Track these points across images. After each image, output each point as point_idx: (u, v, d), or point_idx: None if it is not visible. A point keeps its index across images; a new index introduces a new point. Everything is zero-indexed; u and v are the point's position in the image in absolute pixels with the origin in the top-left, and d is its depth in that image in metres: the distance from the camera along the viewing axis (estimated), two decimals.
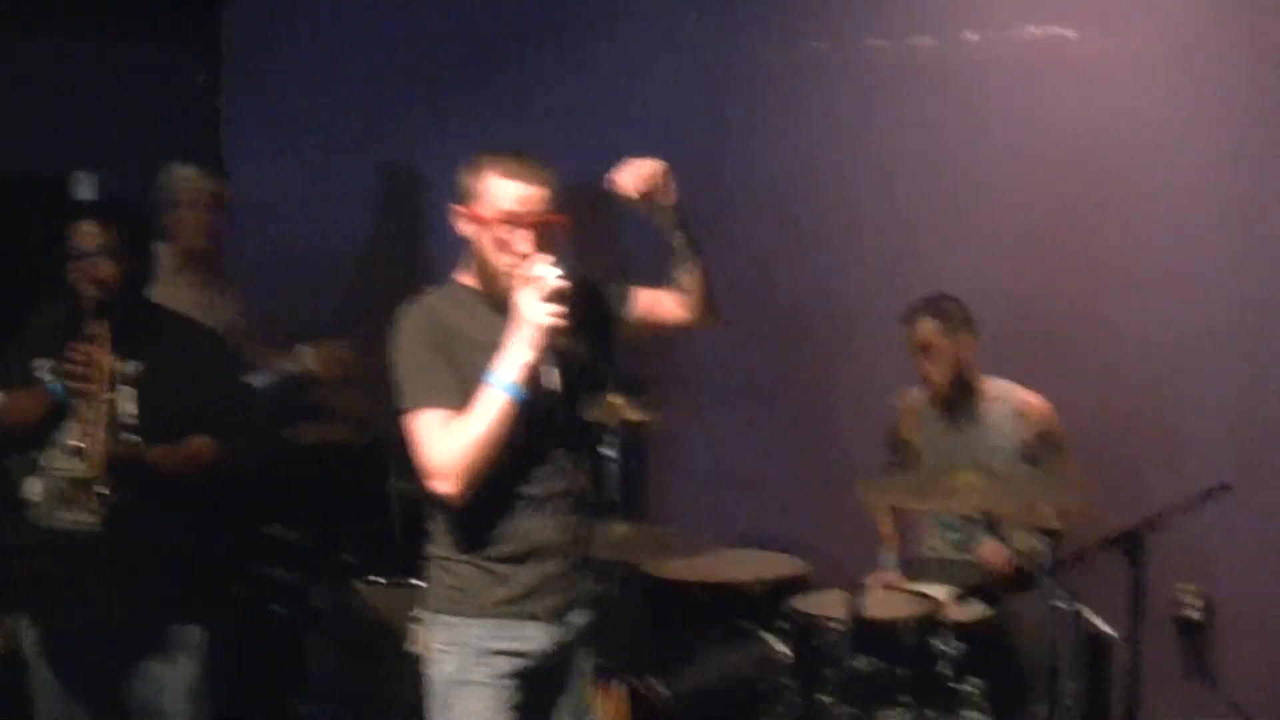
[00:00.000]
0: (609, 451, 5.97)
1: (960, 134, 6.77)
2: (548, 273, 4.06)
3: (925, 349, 6.02)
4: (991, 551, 5.83)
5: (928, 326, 6.02)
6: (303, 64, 8.26)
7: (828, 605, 5.29)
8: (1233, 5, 6.32)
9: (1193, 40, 6.33)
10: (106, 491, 4.94)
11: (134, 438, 4.98)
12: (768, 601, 5.77)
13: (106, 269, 5.03)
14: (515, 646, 4.23)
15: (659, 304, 4.52)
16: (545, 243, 4.22)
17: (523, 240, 4.20)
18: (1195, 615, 6.33)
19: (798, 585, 5.95)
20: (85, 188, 7.70)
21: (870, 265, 6.94)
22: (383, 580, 6.42)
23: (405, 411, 4.17)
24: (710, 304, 4.47)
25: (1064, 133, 6.57)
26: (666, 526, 6.16)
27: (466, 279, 4.36)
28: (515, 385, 4.03)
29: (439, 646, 4.32)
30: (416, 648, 4.40)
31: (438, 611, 4.34)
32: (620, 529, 5.65)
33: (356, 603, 6.51)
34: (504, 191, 4.27)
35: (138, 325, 5.11)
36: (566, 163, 7.43)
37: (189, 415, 5.07)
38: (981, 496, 5.26)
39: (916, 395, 6.23)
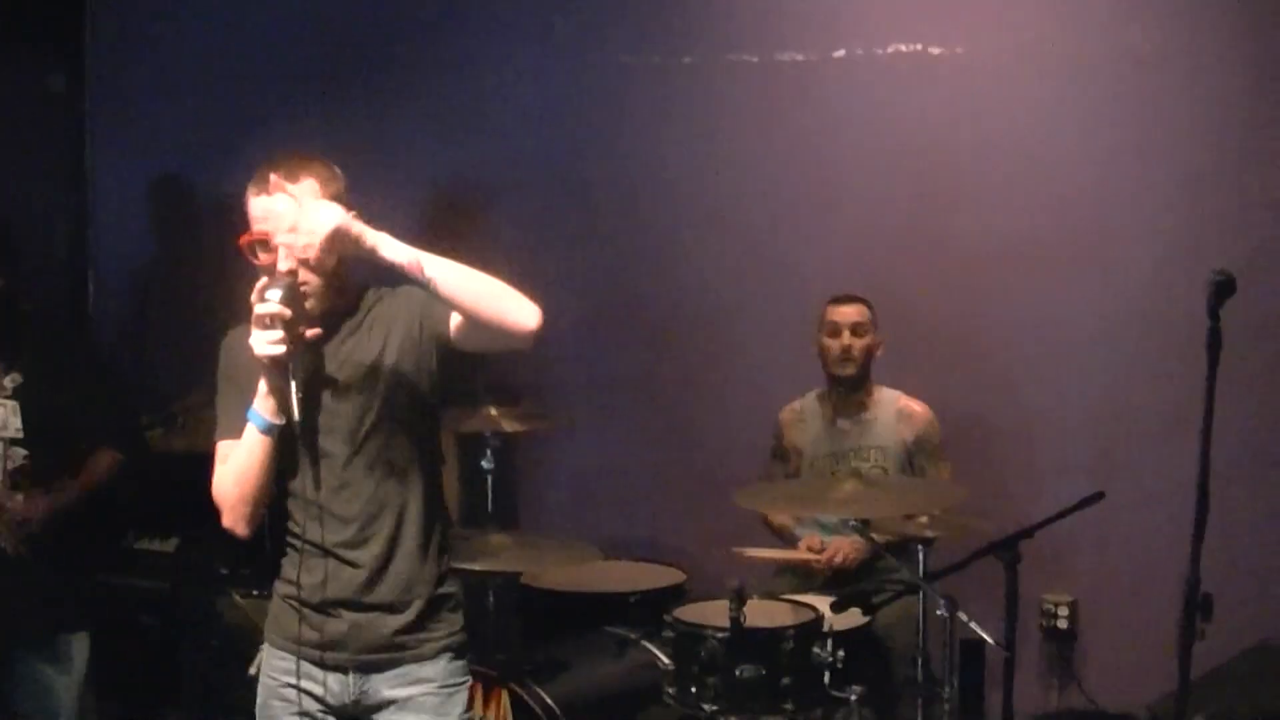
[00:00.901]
0: (485, 463, 6.04)
1: (825, 141, 6.87)
2: (266, 298, 3.72)
3: (857, 328, 6.15)
4: (836, 546, 5.99)
5: (862, 310, 6.19)
6: (166, 68, 8.20)
7: (709, 614, 5.32)
8: (1074, 11, 6.47)
9: (1036, 44, 6.48)
10: None
11: (22, 451, 4.95)
12: (646, 610, 5.80)
13: None
14: (314, 690, 4.00)
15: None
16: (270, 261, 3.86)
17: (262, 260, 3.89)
18: (1063, 624, 6.45)
19: (675, 594, 6.00)
20: None
21: (742, 270, 7.01)
22: (254, 591, 6.39)
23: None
24: (481, 319, 3.82)
25: (925, 138, 6.69)
26: (543, 536, 6.17)
27: None
28: (257, 414, 3.83)
29: (255, 671, 4.21)
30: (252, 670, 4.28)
31: (265, 638, 4.17)
32: (497, 538, 5.69)
33: (228, 613, 6.48)
34: (250, 207, 3.94)
35: (12, 337, 5.07)
36: (431, 165, 7.55)
37: (73, 424, 5.05)
38: (860, 504, 5.35)
39: (801, 402, 6.34)
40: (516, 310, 3.80)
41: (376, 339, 3.96)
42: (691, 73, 7.09)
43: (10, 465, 5.00)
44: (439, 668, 4.03)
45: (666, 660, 5.39)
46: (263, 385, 3.79)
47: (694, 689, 5.19)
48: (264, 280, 3.74)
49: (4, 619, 4.98)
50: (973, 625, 5.04)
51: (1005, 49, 6.53)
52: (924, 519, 5.35)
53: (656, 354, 7.15)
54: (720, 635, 5.15)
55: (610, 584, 6.17)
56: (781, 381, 6.47)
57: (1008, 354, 6.57)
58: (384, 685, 3.99)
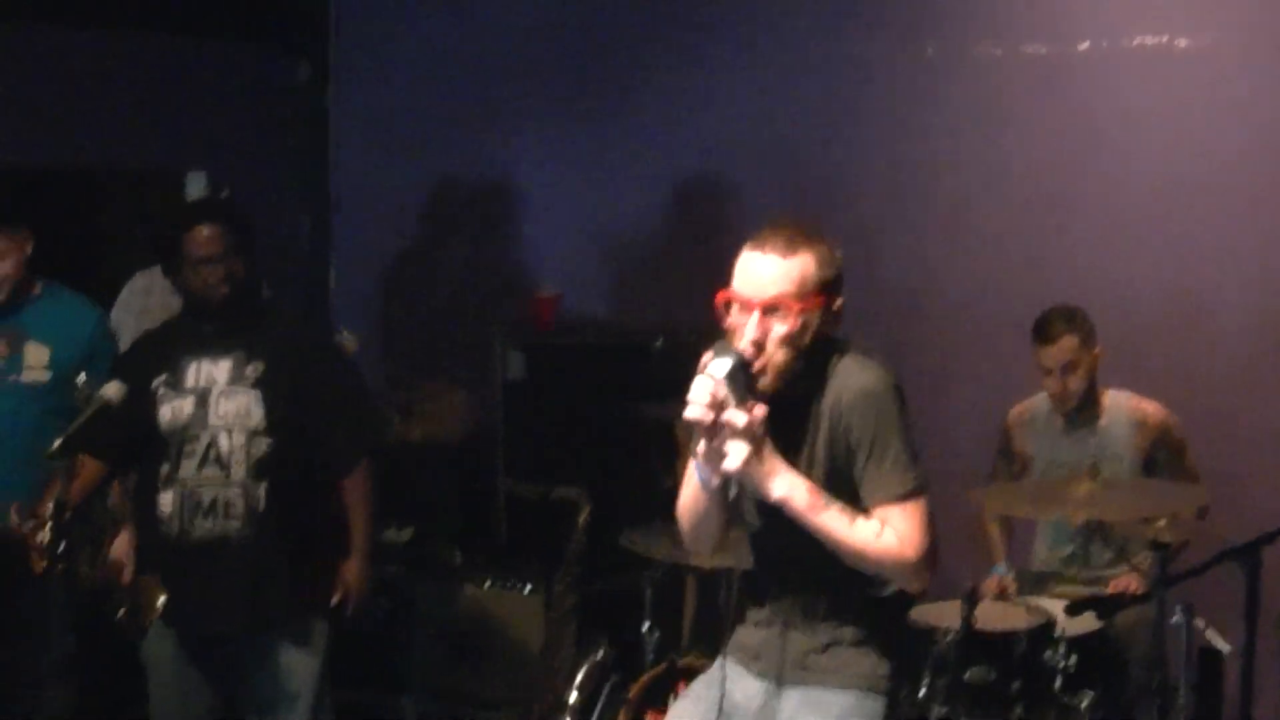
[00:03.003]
0: None
1: (1069, 139, 6.75)
2: (707, 372, 3.70)
3: (1067, 367, 5.91)
4: (1123, 583, 5.78)
5: (1071, 343, 5.91)
6: (406, 61, 8.32)
7: (941, 615, 5.27)
8: None
9: None
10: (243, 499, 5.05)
11: (266, 440, 5.07)
12: None
13: (226, 271, 5.09)
14: None
15: None
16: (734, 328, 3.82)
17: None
18: None
19: (908, 595, 5.94)
20: (196, 185, 7.78)
21: (978, 267, 6.93)
22: (488, 581, 6.45)
23: None
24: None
25: (1170, 136, 6.55)
26: None
27: None
28: (700, 465, 3.81)
29: None
30: None
31: None
32: (733, 533, 5.67)
33: (462, 602, 6.56)
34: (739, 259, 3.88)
35: (253, 326, 5.18)
36: (666, 158, 7.58)
37: (315, 414, 5.12)
38: (1097, 506, 5.24)
39: (1031, 405, 6.18)
40: (892, 572, 3.85)
41: (814, 433, 3.87)
42: (932, 65, 7.01)
43: (255, 455, 5.06)
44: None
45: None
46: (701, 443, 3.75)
47: (923, 690, 5.15)
48: (709, 353, 3.72)
49: (258, 602, 5.07)
50: (1211, 633, 4.93)
51: (1258, 40, 6.37)
52: (1162, 522, 5.23)
53: (896, 350, 7.02)
54: (951, 636, 5.11)
55: None
56: (1012, 381, 6.36)
57: (1251, 351, 6.40)
58: None
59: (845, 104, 7.23)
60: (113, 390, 4.98)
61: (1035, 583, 6.01)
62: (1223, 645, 4.95)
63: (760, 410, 3.68)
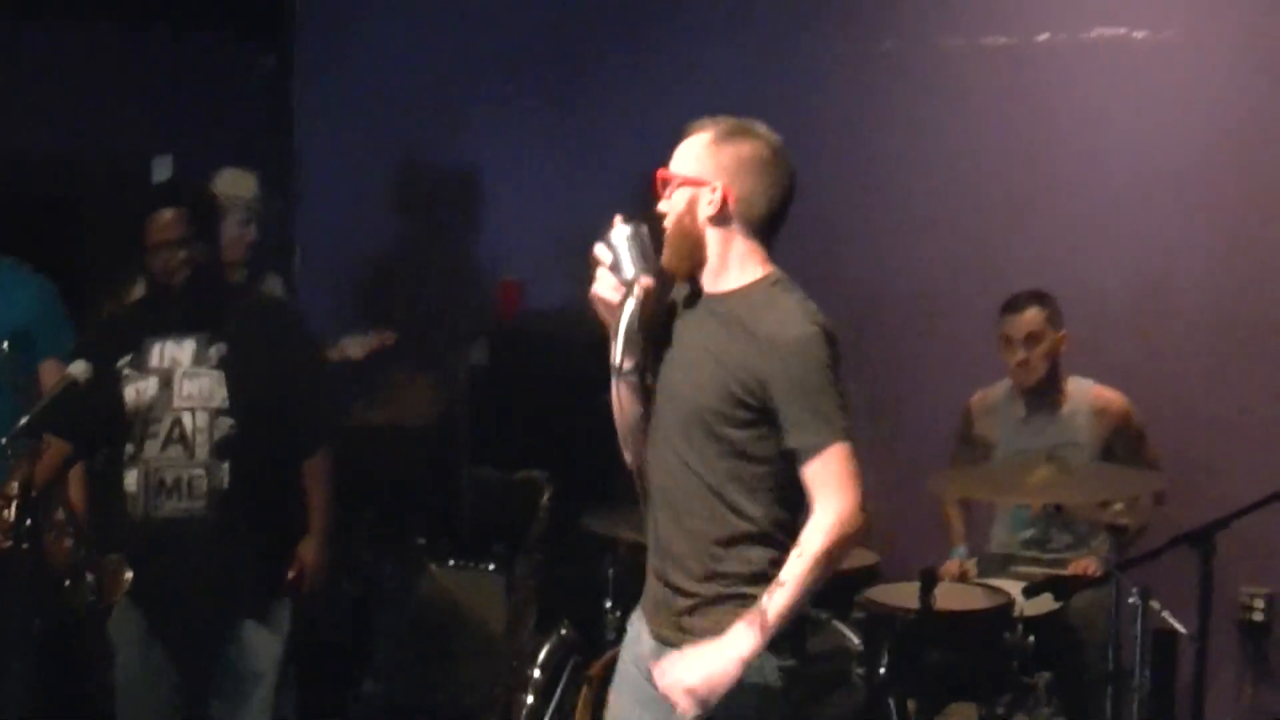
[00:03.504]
0: None
1: (1030, 130, 6.80)
2: (607, 239, 3.86)
3: (1030, 338, 5.97)
4: (1082, 565, 5.84)
5: (1037, 316, 5.98)
6: (370, 50, 8.33)
7: (899, 596, 5.32)
8: None
9: (1250, 31, 6.38)
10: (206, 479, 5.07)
11: (228, 421, 5.08)
12: (838, 591, 5.81)
13: (186, 255, 5.09)
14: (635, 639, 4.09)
15: None
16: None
17: None
18: (1259, 617, 6.35)
19: (868, 576, 5.99)
20: (162, 169, 7.78)
21: (940, 258, 6.95)
22: (452, 562, 6.48)
23: None
24: None
25: (1130, 128, 6.60)
26: None
27: None
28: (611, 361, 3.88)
29: None
30: None
31: None
32: None
33: (426, 583, 6.59)
34: None
35: (217, 309, 5.20)
36: (635, 152, 7.59)
37: (278, 395, 5.16)
38: (1056, 490, 5.30)
39: (993, 392, 6.24)
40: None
41: (723, 336, 3.84)
42: (895, 58, 7.06)
43: (217, 435, 5.07)
44: None
45: (856, 641, 5.40)
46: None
47: (882, 670, 5.20)
48: (617, 217, 3.81)
49: (223, 581, 5.09)
50: (1166, 615, 4.99)
51: (1216, 33, 6.43)
52: (1119, 506, 5.29)
53: (857, 339, 7.11)
54: (910, 618, 5.16)
55: None
56: (981, 371, 6.41)
57: (1206, 343, 6.46)
58: None
59: (807, 97, 7.23)
60: (79, 369, 5.01)
61: (994, 565, 6.05)
62: (1178, 627, 4.99)
63: (648, 280, 3.73)
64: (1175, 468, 5.92)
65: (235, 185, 6.65)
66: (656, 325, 3.89)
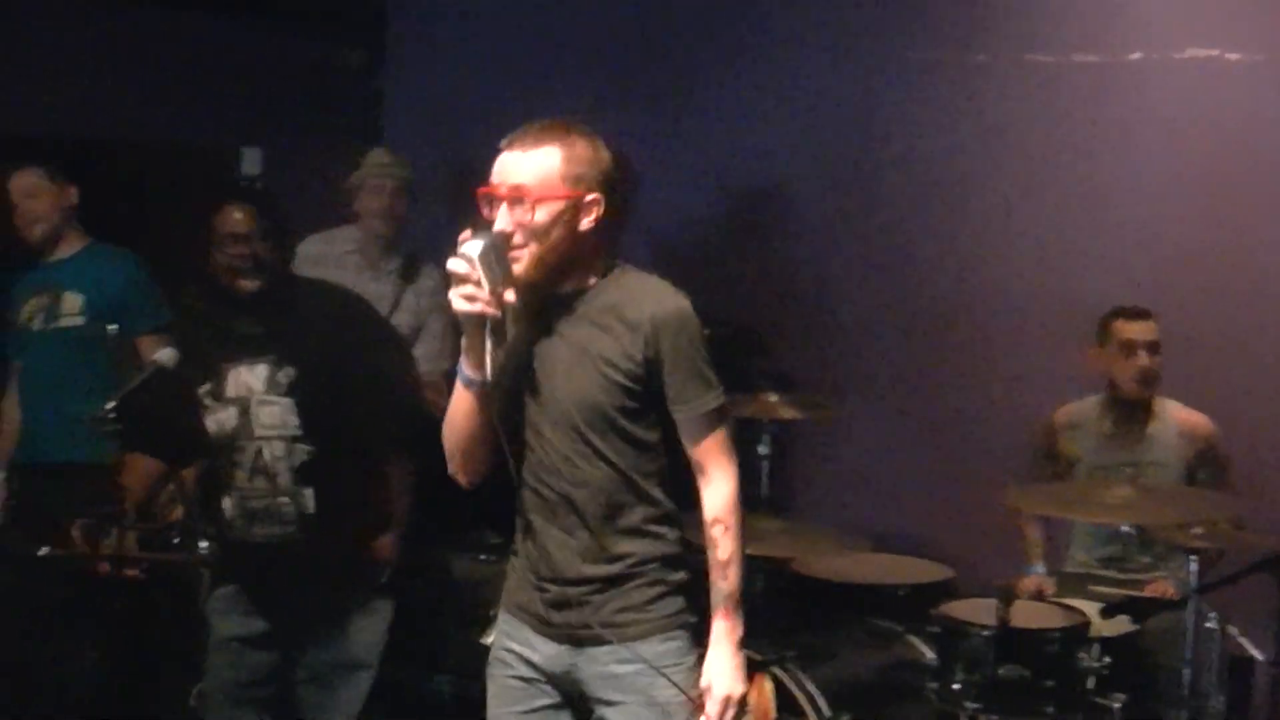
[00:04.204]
0: (761, 448, 6.12)
1: (1117, 147, 6.77)
2: (461, 252, 3.70)
3: (1150, 346, 5.99)
4: (1159, 588, 5.83)
5: (1153, 324, 6.02)
6: (460, 49, 8.38)
7: (975, 611, 5.32)
8: None
9: None
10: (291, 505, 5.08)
11: (305, 447, 5.05)
12: (913, 605, 5.83)
13: (252, 253, 5.00)
14: (522, 651, 4.04)
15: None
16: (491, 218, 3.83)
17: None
18: None
19: (942, 590, 6.02)
20: (251, 161, 7.86)
21: (1022, 271, 6.94)
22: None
23: None
24: None
25: (1218, 149, 6.55)
26: (814, 524, 6.25)
27: None
28: (460, 368, 3.83)
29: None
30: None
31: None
32: (769, 524, 5.76)
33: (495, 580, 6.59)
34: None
35: (287, 322, 5.10)
36: (720, 157, 7.64)
37: (348, 411, 5.07)
38: (1136, 511, 5.30)
39: (1079, 406, 6.23)
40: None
41: (596, 332, 3.88)
42: (984, 71, 7.05)
43: (296, 461, 5.03)
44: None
45: (930, 655, 5.41)
46: (464, 339, 3.77)
47: (956, 686, 5.21)
48: (466, 232, 3.72)
49: (321, 593, 5.12)
50: (1243, 641, 4.98)
51: None
52: (1199, 529, 5.27)
53: (936, 350, 7.13)
54: (985, 633, 5.16)
55: (878, 576, 6.24)
56: (1058, 384, 6.41)
57: None
58: None
59: (893, 106, 7.26)
60: (167, 356, 5.04)
61: (1071, 584, 6.03)
62: (1255, 653, 4.98)
63: (510, 295, 3.70)
64: (1255, 492, 5.89)
65: (383, 158, 6.76)
66: (504, 334, 3.92)
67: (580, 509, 3.89)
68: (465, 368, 3.81)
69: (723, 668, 3.89)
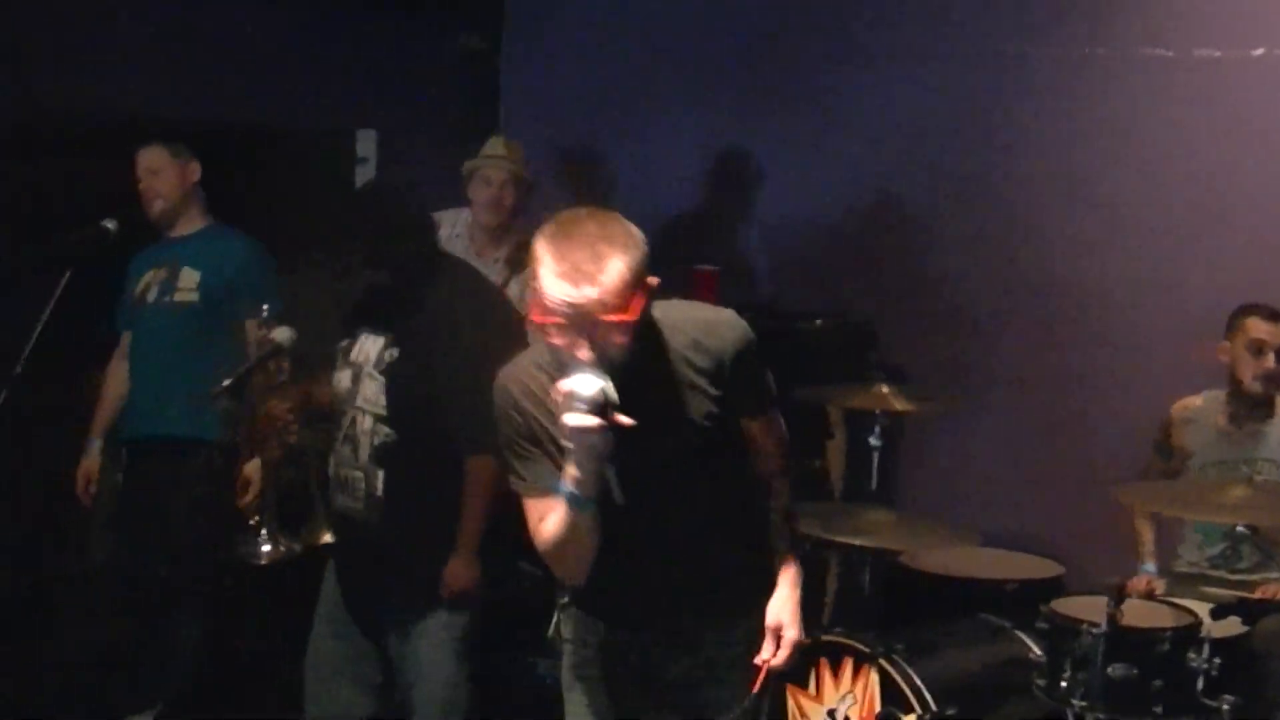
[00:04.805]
0: (873, 440, 6.12)
1: (1234, 144, 6.70)
2: (582, 392, 3.52)
3: None
4: (1271, 589, 5.76)
5: None
6: (577, 38, 8.43)
7: (1085, 609, 5.28)
8: None
9: None
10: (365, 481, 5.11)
11: (386, 429, 5.06)
12: (1022, 601, 5.80)
13: (387, 249, 5.12)
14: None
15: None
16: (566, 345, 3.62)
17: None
18: None
19: (1052, 586, 5.98)
20: (365, 144, 7.92)
21: (1140, 266, 6.87)
22: None
23: None
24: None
25: None
26: (923, 517, 6.26)
27: None
28: (574, 494, 3.64)
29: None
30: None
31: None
32: (879, 515, 5.76)
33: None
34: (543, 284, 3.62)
35: (407, 311, 5.13)
36: (827, 155, 7.63)
37: (434, 404, 5.03)
38: (1250, 511, 5.24)
39: (1197, 401, 6.18)
40: None
41: (675, 387, 3.85)
42: (1102, 65, 7.00)
43: (377, 440, 5.05)
44: None
45: (1039, 652, 5.38)
46: (570, 465, 3.61)
47: (1064, 683, 5.17)
48: (570, 374, 3.54)
49: (407, 575, 5.11)
50: None
51: None
52: None
53: (1049, 345, 7.09)
54: (1095, 631, 5.12)
55: (987, 571, 6.22)
56: (1172, 381, 6.35)
57: None
58: None
59: (1011, 102, 7.23)
60: (284, 335, 5.13)
61: (1182, 584, 6.00)
62: None
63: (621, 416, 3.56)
64: None
65: (497, 149, 6.81)
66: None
67: (700, 529, 4.04)
68: (577, 489, 3.64)
69: (796, 613, 4.05)
